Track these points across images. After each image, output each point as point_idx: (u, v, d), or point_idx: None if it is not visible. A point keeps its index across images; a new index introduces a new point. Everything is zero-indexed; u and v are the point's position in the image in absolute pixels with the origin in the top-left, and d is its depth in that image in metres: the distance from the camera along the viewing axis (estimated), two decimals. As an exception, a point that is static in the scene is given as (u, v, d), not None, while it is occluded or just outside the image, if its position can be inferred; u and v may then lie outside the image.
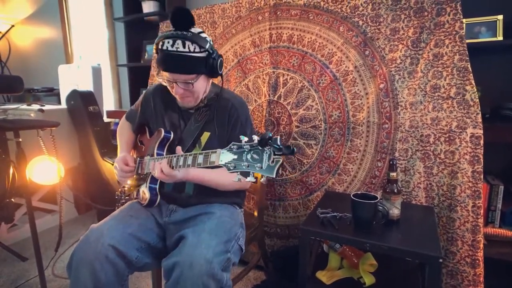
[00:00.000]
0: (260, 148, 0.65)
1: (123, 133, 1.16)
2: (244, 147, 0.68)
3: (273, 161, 0.63)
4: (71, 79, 2.33)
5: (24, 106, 1.95)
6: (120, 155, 1.04)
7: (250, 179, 0.65)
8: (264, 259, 1.44)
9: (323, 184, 1.40)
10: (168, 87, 0.95)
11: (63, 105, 2.16)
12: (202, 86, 0.95)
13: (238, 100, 1.04)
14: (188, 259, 0.78)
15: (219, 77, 0.98)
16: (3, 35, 2.84)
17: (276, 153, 0.63)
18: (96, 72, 2.31)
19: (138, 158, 1.06)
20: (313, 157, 1.41)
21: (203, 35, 0.90)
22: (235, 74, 1.60)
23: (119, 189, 1.12)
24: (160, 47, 0.88)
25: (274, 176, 0.63)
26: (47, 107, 1.97)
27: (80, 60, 2.72)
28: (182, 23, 0.87)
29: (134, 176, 1.05)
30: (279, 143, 0.63)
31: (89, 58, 2.68)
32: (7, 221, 1.41)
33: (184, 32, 0.86)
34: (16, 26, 2.90)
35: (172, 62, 0.87)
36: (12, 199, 1.25)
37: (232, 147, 0.70)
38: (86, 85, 2.25)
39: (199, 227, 0.88)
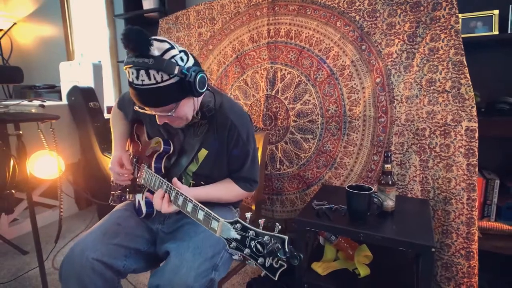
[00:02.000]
0: (265, 242, 0.60)
1: (117, 123, 1.09)
2: (249, 232, 0.63)
3: (277, 263, 0.59)
4: (72, 76, 2.35)
5: (26, 102, 1.97)
6: (115, 156, 0.99)
7: (250, 263, 0.63)
8: (261, 253, 1.45)
9: (320, 178, 1.42)
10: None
11: (64, 101, 2.18)
12: (187, 108, 0.84)
13: (238, 115, 0.94)
14: (169, 284, 0.77)
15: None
16: (5, 33, 2.87)
17: (281, 258, 0.59)
18: (97, 69, 2.33)
19: (135, 159, 1.02)
20: (310, 152, 1.42)
21: (168, 55, 0.74)
22: (234, 70, 1.61)
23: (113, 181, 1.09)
24: (127, 76, 0.77)
25: (276, 278, 0.59)
26: (48, 103, 1.99)
27: (82, 57, 2.74)
28: (137, 48, 0.72)
29: (132, 179, 1.01)
30: (287, 250, 0.58)
31: (90, 55, 2.70)
32: (7, 212, 1.44)
33: (145, 60, 0.72)
34: (18, 24, 2.93)
35: (143, 98, 0.77)
36: (13, 191, 1.27)
37: (236, 226, 0.65)
38: (87, 82, 2.27)
39: (184, 243, 0.85)
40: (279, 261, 0.59)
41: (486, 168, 1.39)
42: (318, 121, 1.39)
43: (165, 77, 0.74)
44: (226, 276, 1.24)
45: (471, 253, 1.12)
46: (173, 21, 1.82)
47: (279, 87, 1.48)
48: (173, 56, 0.75)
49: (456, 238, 1.15)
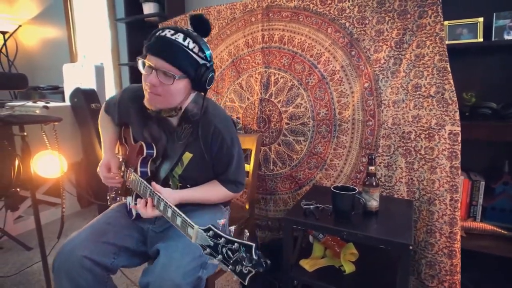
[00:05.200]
0: (234, 249, 0.63)
1: (105, 127, 1.11)
2: (220, 240, 0.66)
3: (246, 269, 0.62)
4: (75, 77, 2.42)
5: (30, 103, 2.04)
6: (104, 160, 1.03)
7: (224, 268, 0.66)
8: (255, 250, 1.51)
9: (311, 179, 1.47)
10: (143, 78, 0.85)
11: (67, 102, 2.25)
12: (179, 92, 0.85)
13: (221, 120, 0.97)
14: (158, 281, 0.81)
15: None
16: (11, 35, 2.94)
17: (250, 264, 0.62)
18: (99, 71, 2.40)
19: (123, 163, 1.05)
20: (302, 153, 1.47)
21: (207, 45, 0.85)
22: (230, 73, 1.67)
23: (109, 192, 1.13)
24: (157, 33, 0.80)
25: (246, 283, 0.62)
26: (51, 104, 2.06)
27: (84, 59, 2.81)
28: (202, 29, 0.84)
29: (122, 179, 1.05)
30: (253, 257, 0.60)
31: (92, 57, 2.77)
32: (12, 209, 1.51)
33: (192, 32, 0.81)
34: (23, 26, 3.01)
35: (164, 47, 0.79)
36: (18, 189, 1.33)
37: (209, 233, 0.68)
38: (90, 84, 2.34)
39: (173, 243, 0.88)
40: (248, 268, 0.62)
41: (472, 170, 1.43)
42: (309, 124, 1.44)
43: (196, 49, 0.82)
44: (220, 272, 1.30)
45: (454, 252, 1.17)
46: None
47: (272, 90, 1.53)
48: (209, 48, 0.86)
49: (439, 237, 1.19)
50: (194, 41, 0.81)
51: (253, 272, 0.62)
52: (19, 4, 3.01)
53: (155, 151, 0.98)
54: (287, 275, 1.10)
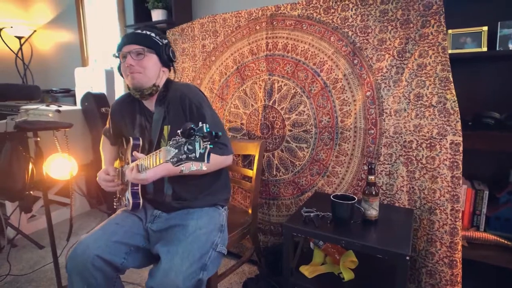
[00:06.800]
0: (192, 139, 0.68)
1: (105, 148, 1.30)
2: (180, 140, 0.70)
3: (203, 148, 0.67)
4: (86, 81, 2.50)
5: (43, 107, 2.12)
6: (102, 170, 1.14)
7: (192, 168, 0.68)
8: (257, 254, 1.54)
9: (313, 185, 1.49)
10: (122, 67, 1.03)
11: (78, 105, 2.32)
12: (153, 66, 1.04)
13: (187, 87, 1.09)
14: (161, 286, 0.86)
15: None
16: (26, 40, 3.06)
17: (204, 140, 0.67)
18: (109, 75, 2.47)
19: (120, 168, 1.15)
20: (305, 160, 1.49)
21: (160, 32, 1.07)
22: (234, 80, 1.70)
23: (114, 198, 1.22)
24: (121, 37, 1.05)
25: (206, 162, 0.67)
26: (63, 108, 2.14)
27: (95, 63, 2.89)
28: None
29: (120, 185, 1.14)
30: (204, 130, 0.66)
31: (103, 62, 2.84)
32: (26, 211, 1.58)
33: (148, 29, 1.06)
34: (38, 31, 3.11)
35: (129, 37, 1.02)
36: (31, 192, 1.40)
37: (172, 142, 0.72)
38: (100, 87, 2.41)
39: (174, 248, 0.93)
40: (204, 146, 0.67)
41: (476, 179, 1.42)
42: (312, 131, 1.46)
43: (153, 34, 1.04)
44: (223, 275, 1.34)
45: (454, 262, 1.17)
46: (179, 33, 1.92)
47: (276, 98, 1.55)
48: (166, 38, 1.10)
49: (440, 246, 1.20)
50: (149, 31, 1.05)
51: (209, 146, 0.67)
52: (34, 10, 3.12)
53: (140, 141, 1.09)
54: (288, 280, 1.13)
